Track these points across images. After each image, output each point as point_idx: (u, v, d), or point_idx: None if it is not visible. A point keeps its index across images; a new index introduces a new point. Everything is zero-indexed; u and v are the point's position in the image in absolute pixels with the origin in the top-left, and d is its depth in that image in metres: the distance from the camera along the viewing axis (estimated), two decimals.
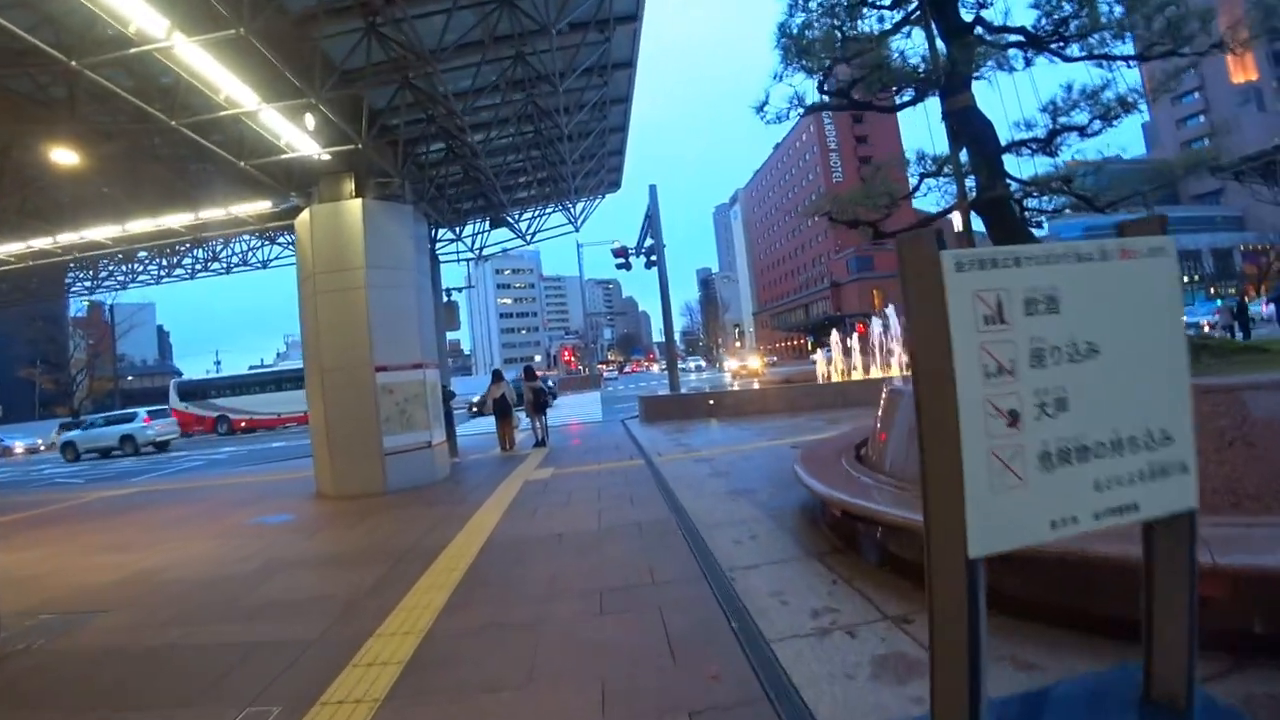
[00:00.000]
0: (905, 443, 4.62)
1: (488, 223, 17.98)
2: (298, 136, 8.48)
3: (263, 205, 12.14)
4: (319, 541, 6.32)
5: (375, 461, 8.81)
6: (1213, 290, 48.74)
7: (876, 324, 15.85)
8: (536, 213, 18.30)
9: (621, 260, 19.91)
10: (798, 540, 4.60)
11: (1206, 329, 19.69)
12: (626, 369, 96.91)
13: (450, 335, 18.67)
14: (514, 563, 4.75)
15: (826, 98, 5.54)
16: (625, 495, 6.77)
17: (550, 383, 50.33)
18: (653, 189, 19.08)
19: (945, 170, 5.90)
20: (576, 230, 19.05)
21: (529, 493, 7.58)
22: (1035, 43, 5.20)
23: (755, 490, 6.27)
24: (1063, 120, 5.13)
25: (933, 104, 6.16)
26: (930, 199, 6.09)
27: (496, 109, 10.47)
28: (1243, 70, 59.23)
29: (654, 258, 18.83)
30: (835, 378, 15.88)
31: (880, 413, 5.37)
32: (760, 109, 5.60)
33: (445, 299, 17.60)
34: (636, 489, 7.06)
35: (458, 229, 17.90)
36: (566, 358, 71.84)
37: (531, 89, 10.02)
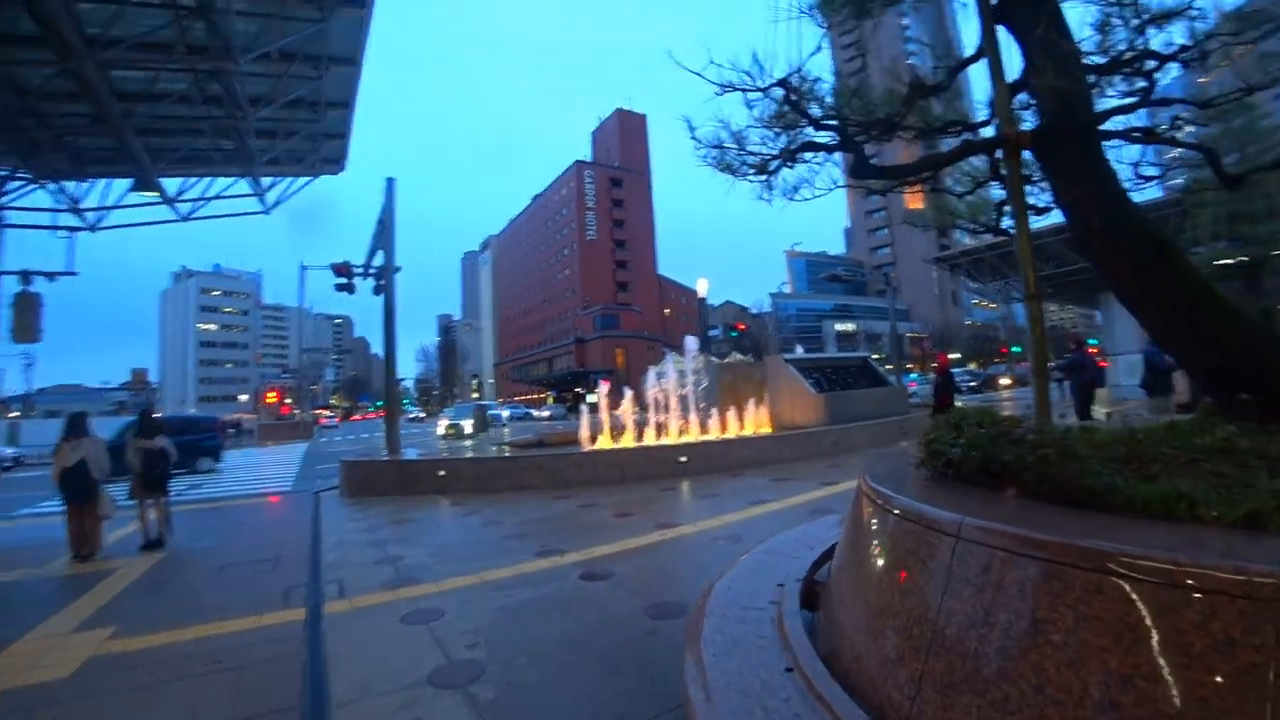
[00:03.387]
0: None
1: (132, 182, 11.50)
2: None
3: None
4: None
5: None
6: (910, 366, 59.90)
7: (652, 379, 13.51)
8: (203, 176, 12.34)
9: (344, 279, 14.62)
10: None
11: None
12: (353, 416, 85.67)
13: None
14: None
15: None
16: None
17: (235, 430, 38.44)
18: (390, 184, 14.52)
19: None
20: (266, 212, 13.42)
21: None
22: None
23: None
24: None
25: None
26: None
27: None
28: (914, 200, 78.64)
29: (384, 281, 14.06)
30: (603, 442, 12.96)
31: (879, 559, 2.28)
32: None
33: (24, 287, 11.67)
34: None
35: (57, 178, 11.20)
36: (273, 399, 59.28)
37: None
